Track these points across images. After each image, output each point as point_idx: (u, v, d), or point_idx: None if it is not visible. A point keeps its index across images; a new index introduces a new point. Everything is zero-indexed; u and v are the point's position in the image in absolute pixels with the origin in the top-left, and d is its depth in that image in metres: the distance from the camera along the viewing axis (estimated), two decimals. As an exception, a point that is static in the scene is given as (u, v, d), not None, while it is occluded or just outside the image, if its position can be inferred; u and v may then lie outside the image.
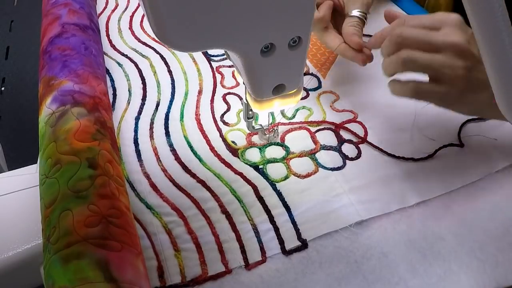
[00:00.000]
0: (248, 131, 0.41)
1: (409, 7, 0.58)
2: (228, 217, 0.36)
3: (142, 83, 0.47)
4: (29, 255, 0.36)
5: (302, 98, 0.46)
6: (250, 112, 0.38)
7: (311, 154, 0.40)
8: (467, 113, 0.38)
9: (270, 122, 0.41)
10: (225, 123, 0.43)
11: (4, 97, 0.66)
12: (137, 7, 0.58)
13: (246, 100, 0.35)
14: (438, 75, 0.34)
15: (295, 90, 0.33)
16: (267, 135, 0.41)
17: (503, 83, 0.24)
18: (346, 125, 0.43)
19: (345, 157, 0.40)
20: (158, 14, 0.23)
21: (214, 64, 0.50)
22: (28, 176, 0.43)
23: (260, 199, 0.37)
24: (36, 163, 0.45)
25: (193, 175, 0.39)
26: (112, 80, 0.48)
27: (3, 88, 0.68)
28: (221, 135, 0.42)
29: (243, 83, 0.32)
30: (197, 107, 0.45)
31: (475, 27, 0.23)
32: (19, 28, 0.82)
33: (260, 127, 0.40)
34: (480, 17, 0.22)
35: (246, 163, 0.40)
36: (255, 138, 0.42)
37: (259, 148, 0.41)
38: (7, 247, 0.36)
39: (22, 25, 0.81)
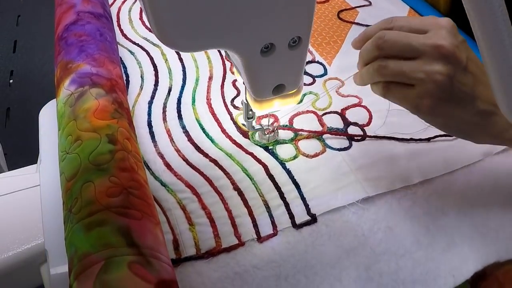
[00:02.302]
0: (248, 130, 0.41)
1: (413, 1, 0.60)
2: (240, 193, 0.37)
3: (154, 70, 0.49)
4: (29, 255, 0.36)
5: (309, 84, 0.47)
6: (250, 112, 0.38)
7: (319, 135, 0.42)
8: (446, 129, 0.33)
9: (270, 123, 0.42)
10: (235, 107, 0.45)
11: (12, 89, 0.67)
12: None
13: (246, 100, 0.36)
14: (411, 81, 0.31)
15: (295, 90, 0.33)
16: (267, 135, 0.41)
17: (503, 83, 0.24)
18: (351, 109, 0.44)
19: (351, 138, 0.42)
20: (158, 15, 0.23)
21: (224, 52, 0.51)
22: (28, 176, 0.44)
23: (271, 177, 0.39)
24: (36, 163, 0.46)
25: (206, 155, 0.40)
26: (124, 68, 0.49)
27: (11, 81, 0.69)
28: (232, 118, 0.44)
29: (243, 83, 0.33)
30: (208, 92, 0.46)
31: (475, 27, 0.23)
32: (26, 22, 0.83)
33: (260, 127, 0.41)
34: (480, 17, 0.22)
35: (257, 144, 0.41)
36: (265, 121, 0.43)
37: (269, 131, 0.42)
38: (7, 247, 0.37)
39: (29, 19, 0.83)
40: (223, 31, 0.25)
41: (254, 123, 0.40)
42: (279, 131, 0.42)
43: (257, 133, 0.42)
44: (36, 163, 0.45)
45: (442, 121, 0.32)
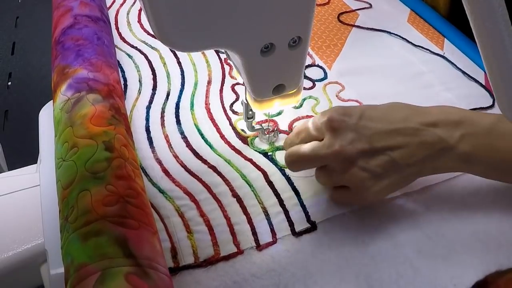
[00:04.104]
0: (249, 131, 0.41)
1: (409, 0, 0.59)
2: (239, 200, 0.37)
3: (152, 74, 0.48)
4: (29, 255, 0.36)
5: (309, 88, 0.47)
6: (250, 112, 0.38)
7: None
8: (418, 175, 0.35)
9: (276, 113, 0.42)
10: (234, 112, 0.44)
11: (11, 91, 0.66)
12: (145, 2, 0.59)
13: (246, 100, 0.35)
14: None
15: (295, 90, 0.33)
16: (267, 136, 0.41)
17: (503, 83, 0.24)
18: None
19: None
20: (158, 15, 0.23)
21: (223, 56, 0.51)
22: (28, 176, 0.43)
23: (270, 183, 0.38)
24: (36, 163, 0.45)
25: (204, 161, 0.40)
26: (122, 71, 0.49)
27: (9, 83, 0.68)
28: (231, 124, 0.43)
29: (243, 83, 0.32)
30: (207, 96, 0.46)
31: (475, 27, 0.23)
32: (24, 24, 0.83)
33: (260, 127, 0.41)
34: (480, 17, 0.22)
35: (256, 150, 0.41)
36: (264, 126, 0.43)
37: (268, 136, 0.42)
38: (7, 247, 0.36)
39: (27, 21, 0.82)
40: (223, 31, 0.25)
41: (254, 124, 0.40)
42: (279, 134, 0.42)
43: (256, 136, 0.42)
44: (35, 163, 0.45)
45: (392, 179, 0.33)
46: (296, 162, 0.35)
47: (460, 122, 0.33)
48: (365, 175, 0.32)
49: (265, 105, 0.33)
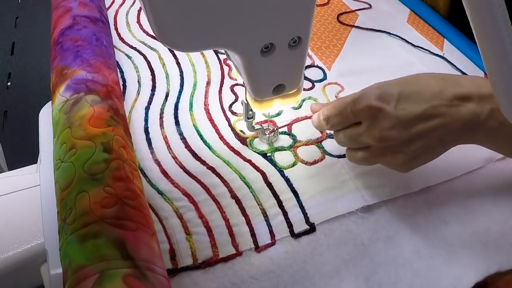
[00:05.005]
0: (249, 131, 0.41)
1: (409, 1, 0.59)
2: (238, 202, 0.37)
3: (151, 74, 0.48)
4: (29, 255, 0.36)
5: (308, 89, 0.47)
6: (250, 112, 0.38)
7: (318, 142, 0.41)
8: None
9: (276, 114, 0.42)
10: (233, 113, 0.44)
11: (10, 92, 0.66)
12: (144, 2, 0.59)
13: (246, 100, 0.35)
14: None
15: (295, 90, 0.33)
16: (267, 136, 0.41)
17: (503, 83, 0.24)
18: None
19: (351, 145, 0.41)
20: (158, 15, 0.23)
21: (222, 56, 0.51)
22: (28, 176, 0.43)
23: (269, 185, 0.38)
24: (36, 163, 0.45)
25: (203, 162, 0.40)
26: (121, 72, 0.48)
27: (9, 83, 0.68)
28: (230, 125, 0.43)
29: (243, 83, 0.32)
30: (206, 97, 0.46)
31: (475, 27, 0.23)
32: (24, 24, 0.83)
33: (260, 127, 0.41)
34: (480, 17, 0.22)
35: (255, 151, 0.41)
36: (264, 126, 0.42)
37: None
38: (7, 247, 0.36)
39: (27, 21, 0.82)
40: (223, 31, 0.25)
41: (254, 123, 0.40)
42: (280, 134, 0.42)
43: (256, 136, 0.42)
44: (35, 163, 0.45)
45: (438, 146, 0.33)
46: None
47: (491, 95, 0.32)
48: (405, 158, 0.33)
49: (265, 105, 0.33)
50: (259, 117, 0.42)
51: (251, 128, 0.40)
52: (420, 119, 0.32)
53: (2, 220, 0.38)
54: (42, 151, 0.42)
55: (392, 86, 0.33)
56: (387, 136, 0.32)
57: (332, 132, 0.42)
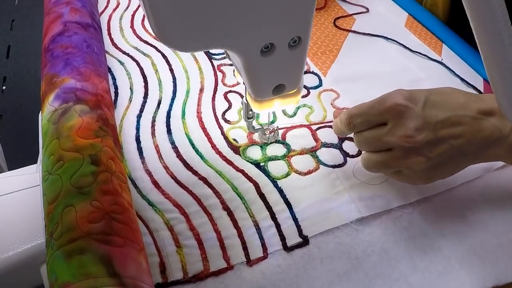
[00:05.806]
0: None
1: (407, 4, 0.58)
2: (230, 214, 0.36)
3: (143, 81, 0.48)
4: (29, 255, 0.36)
5: (303, 96, 0.46)
6: (250, 112, 0.38)
7: (312, 151, 0.41)
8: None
9: (270, 121, 0.41)
10: (227, 121, 0.44)
11: (5, 96, 0.66)
12: (139, 6, 0.59)
13: (246, 100, 0.35)
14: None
15: (295, 90, 0.33)
16: (267, 135, 0.41)
17: (503, 83, 0.24)
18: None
19: (346, 155, 0.40)
20: (158, 14, 0.23)
21: (216, 63, 0.50)
22: (28, 176, 0.43)
23: (262, 196, 0.37)
24: (36, 163, 0.45)
25: (195, 172, 0.39)
26: (114, 78, 0.48)
27: (4, 87, 0.68)
28: (223, 133, 0.42)
29: (243, 83, 0.32)
30: (199, 105, 0.45)
31: (475, 27, 0.23)
32: (20, 27, 0.82)
33: (260, 127, 0.40)
34: (480, 17, 0.22)
35: (248, 161, 0.40)
36: (256, 136, 0.42)
37: (261, 146, 0.41)
38: (7, 247, 0.36)
39: (23, 24, 0.82)
40: (223, 31, 0.25)
41: (254, 123, 0.40)
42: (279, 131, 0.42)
43: (249, 145, 0.41)
44: (35, 163, 0.45)
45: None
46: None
47: None
48: (428, 164, 0.32)
49: (265, 105, 0.33)
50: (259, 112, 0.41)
51: (251, 128, 0.40)
52: (445, 124, 0.32)
53: (2, 220, 0.38)
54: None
55: (419, 92, 0.33)
56: (412, 135, 0.31)
57: (326, 141, 0.41)
